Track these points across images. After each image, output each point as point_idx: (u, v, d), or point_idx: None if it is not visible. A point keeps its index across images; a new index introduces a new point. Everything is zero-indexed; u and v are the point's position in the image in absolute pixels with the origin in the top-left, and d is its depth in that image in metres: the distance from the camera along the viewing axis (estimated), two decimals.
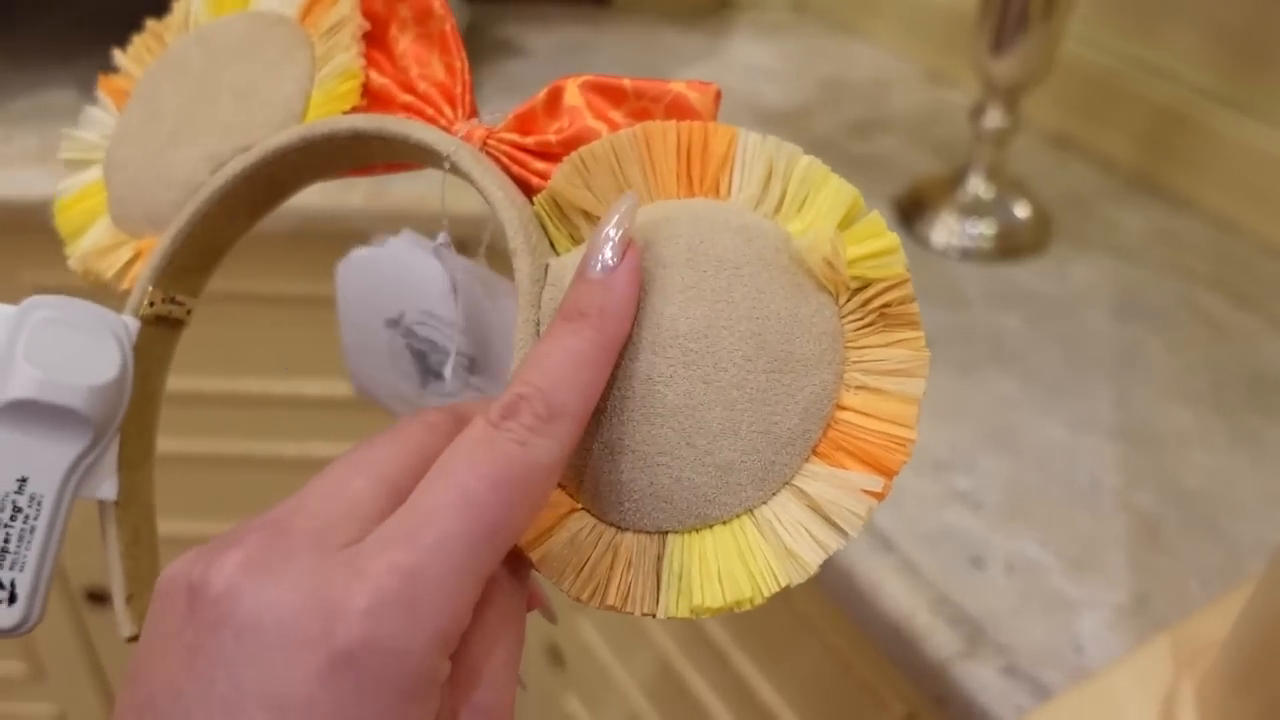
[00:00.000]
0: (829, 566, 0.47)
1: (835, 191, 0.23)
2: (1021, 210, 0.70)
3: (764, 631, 0.58)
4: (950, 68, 0.90)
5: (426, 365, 0.34)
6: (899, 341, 0.23)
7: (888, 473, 0.23)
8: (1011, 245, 0.68)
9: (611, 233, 0.23)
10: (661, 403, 0.22)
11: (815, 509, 0.22)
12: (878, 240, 0.23)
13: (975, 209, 0.69)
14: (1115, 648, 0.43)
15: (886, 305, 0.23)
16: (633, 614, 0.23)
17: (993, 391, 0.57)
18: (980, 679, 0.42)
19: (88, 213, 0.31)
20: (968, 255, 0.68)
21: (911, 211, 0.71)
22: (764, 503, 0.23)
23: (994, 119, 0.67)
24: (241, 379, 0.80)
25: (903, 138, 0.82)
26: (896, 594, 0.45)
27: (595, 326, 0.22)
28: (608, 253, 0.22)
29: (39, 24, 0.92)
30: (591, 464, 0.23)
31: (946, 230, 0.69)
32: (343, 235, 0.72)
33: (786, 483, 0.23)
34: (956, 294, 0.64)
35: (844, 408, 0.23)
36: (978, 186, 0.70)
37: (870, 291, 0.23)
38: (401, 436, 0.22)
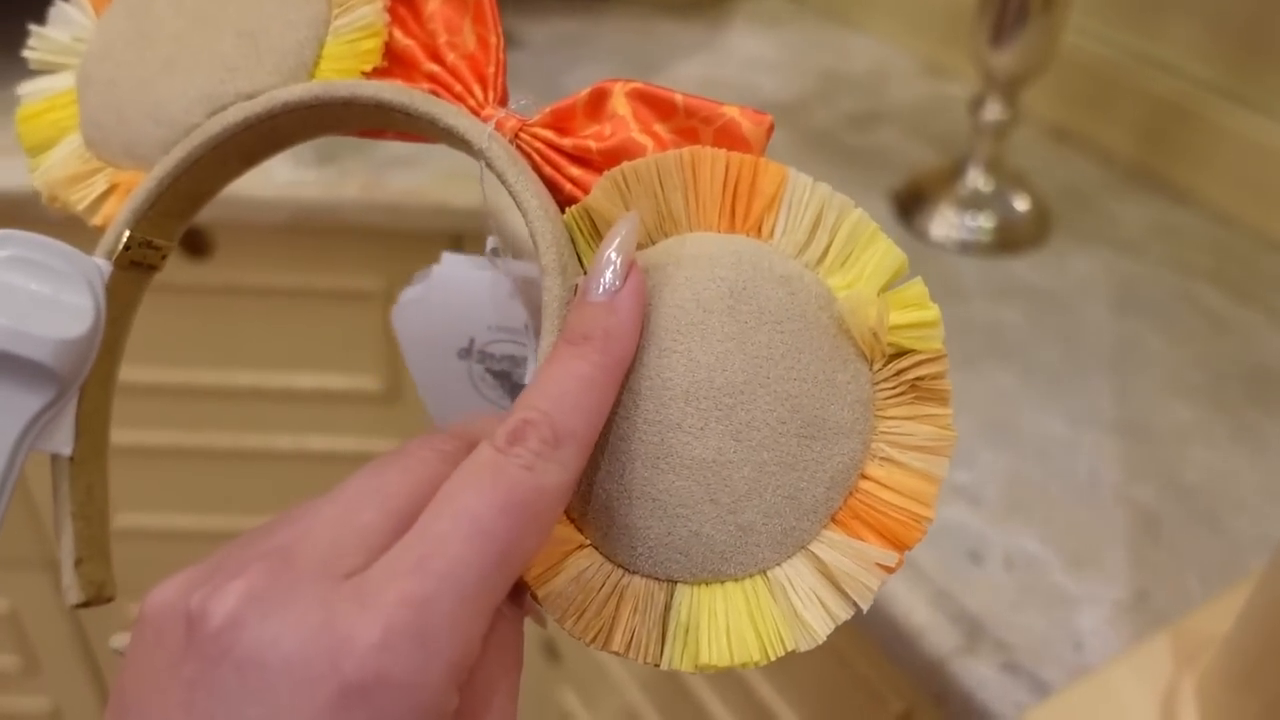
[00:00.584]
0: None
1: (884, 254, 0.22)
2: (1021, 203, 0.70)
3: None
4: (949, 60, 0.90)
5: (512, 383, 0.33)
6: (928, 417, 0.23)
7: (902, 548, 0.22)
8: (1010, 238, 0.68)
9: (613, 256, 0.22)
10: (689, 454, 0.22)
11: (829, 577, 0.22)
12: (920, 311, 0.22)
13: (974, 202, 0.69)
14: (1115, 644, 0.43)
15: (920, 379, 0.22)
16: (635, 661, 0.22)
17: (992, 385, 0.56)
18: (979, 675, 0.42)
19: (55, 125, 0.29)
20: (966, 248, 0.68)
21: (910, 204, 0.71)
22: (778, 565, 0.22)
23: (993, 111, 0.67)
24: (235, 371, 0.80)
25: (901, 130, 0.81)
26: (895, 590, 0.45)
27: (600, 350, 0.21)
28: (609, 276, 0.22)
29: (34, 12, 0.92)
30: (606, 503, 0.23)
31: (945, 223, 0.68)
32: (337, 227, 0.72)
33: (803, 547, 0.22)
34: (955, 287, 0.64)
35: (867, 477, 0.23)
36: (977, 179, 0.69)
37: (906, 362, 0.22)
38: (412, 464, 0.21)
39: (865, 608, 0.22)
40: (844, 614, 0.22)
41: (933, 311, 0.22)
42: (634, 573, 0.23)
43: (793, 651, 0.22)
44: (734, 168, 0.23)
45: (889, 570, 0.22)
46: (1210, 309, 0.63)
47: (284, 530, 0.20)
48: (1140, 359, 0.59)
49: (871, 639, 0.46)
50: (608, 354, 0.22)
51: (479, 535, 0.19)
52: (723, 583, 0.22)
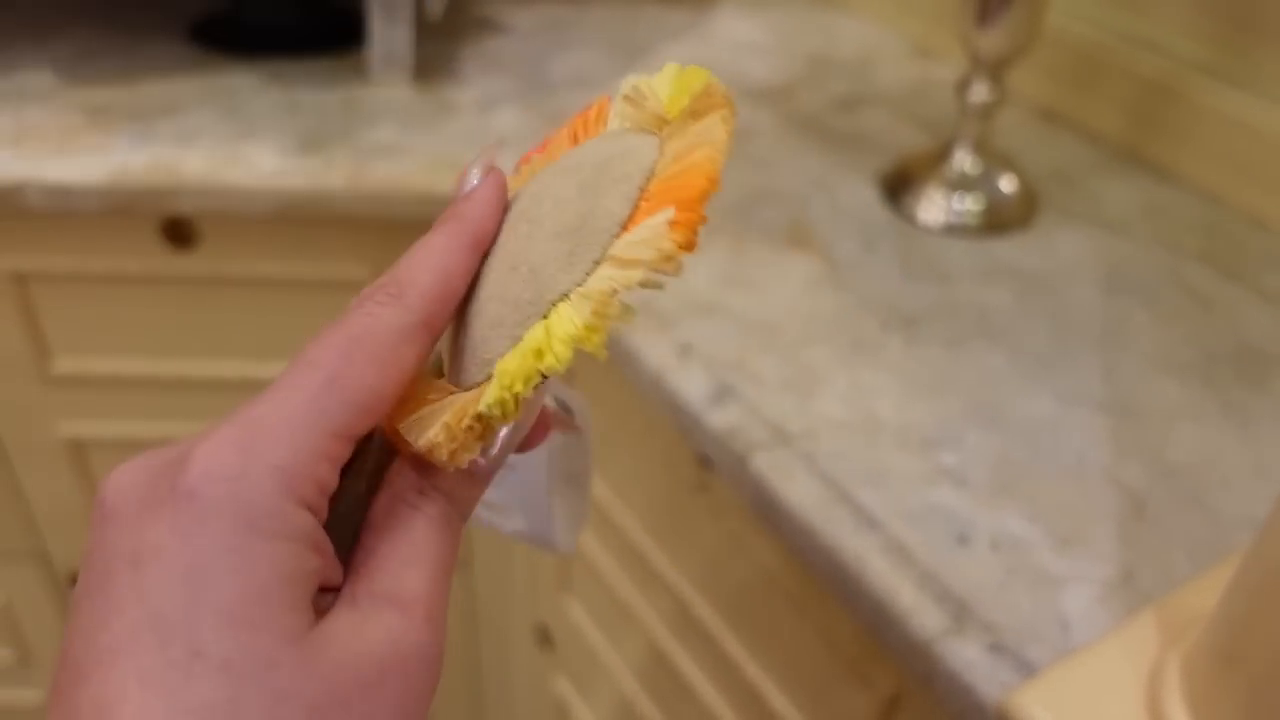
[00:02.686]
0: (815, 544, 0.47)
1: (668, 70, 0.27)
2: (1008, 185, 0.70)
3: (752, 611, 0.58)
4: (937, 41, 0.90)
5: None
6: (704, 115, 0.25)
7: (689, 205, 0.23)
8: (998, 220, 0.68)
9: (473, 170, 0.27)
10: (490, 262, 0.25)
11: (624, 263, 0.23)
12: (696, 78, 0.26)
13: (962, 184, 0.69)
14: (1102, 624, 0.43)
15: (697, 109, 0.25)
16: (460, 426, 0.23)
17: (979, 367, 0.56)
18: (966, 656, 0.42)
19: None
20: (954, 230, 0.67)
21: (898, 187, 0.71)
22: (579, 284, 0.23)
23: (980, 93, 0.67)
24: (221, 362, 0.79)
25: (889, 113, 0.81)
26: (882, 572, 0.45)
27: (452, 218, 0.25)
28: (471, 177, 0.26)
29: (14, 5, 0.91)
30: (457, 352, 0.25)
31: (933, 206, 0.68)
32: (323, 216, 0.71)
33: (597, 261, 0.23)
34: (943, 269, 0.64)
35: (654, 176, 0.24)
36: (964, 161, 0.69)
37: (690, 107, 0.25)
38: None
39: (667, 249, 0.22)
40: (647, 267, 0.22)
41: (700, 71, 0.26)
42: (471, 386, 0.24)
43: (629, 314, 0.22)
44: (578, 123, 0.27)
45: (683, 225, 0.22)
46: (1198, 288, 0.63)
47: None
48: (1128, 339, 0.59)
49: (859, 620, 0.46)
50: (460, 221, 0.25)
51: (309, 367, 0.22)
52: (531, 327, 0.23)
